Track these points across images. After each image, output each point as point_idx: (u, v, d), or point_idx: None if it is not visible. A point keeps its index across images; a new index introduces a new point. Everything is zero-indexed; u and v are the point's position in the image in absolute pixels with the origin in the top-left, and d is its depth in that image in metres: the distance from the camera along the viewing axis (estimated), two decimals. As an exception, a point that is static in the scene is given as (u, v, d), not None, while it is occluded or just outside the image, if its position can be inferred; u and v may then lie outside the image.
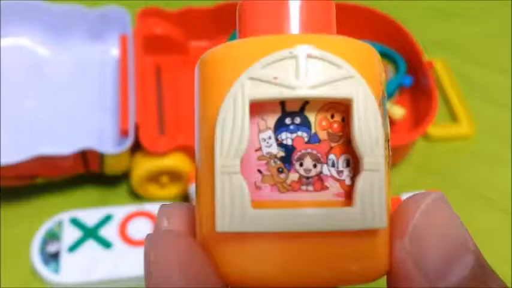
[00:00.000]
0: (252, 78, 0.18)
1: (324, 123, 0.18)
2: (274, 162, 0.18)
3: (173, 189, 0.54)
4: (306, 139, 0.18)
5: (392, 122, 0.59)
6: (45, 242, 0.49)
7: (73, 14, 0.60)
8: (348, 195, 0.18)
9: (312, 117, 0.18)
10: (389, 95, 0.58)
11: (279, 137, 0.18)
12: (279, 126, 0.18)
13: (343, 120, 0.18)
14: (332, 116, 0.18)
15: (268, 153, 0.18)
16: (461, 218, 0.55)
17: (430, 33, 0.70)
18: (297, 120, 0.18)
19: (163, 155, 0.51)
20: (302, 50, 0.18)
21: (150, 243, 0.21)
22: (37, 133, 0.55)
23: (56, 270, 0.48)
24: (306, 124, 0.18)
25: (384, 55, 0.61)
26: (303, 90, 0.17)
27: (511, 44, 0.71)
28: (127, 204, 0.53)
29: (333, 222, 0.17)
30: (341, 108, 0.18)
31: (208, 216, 0.19)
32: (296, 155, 0.18)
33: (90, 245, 0.49)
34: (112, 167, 0.52)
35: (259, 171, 0.18)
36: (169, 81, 0.60)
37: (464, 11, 0.75)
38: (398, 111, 0.58)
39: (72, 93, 0.58)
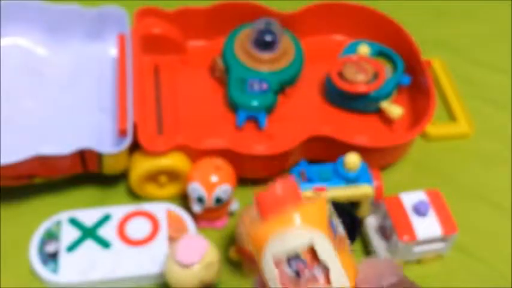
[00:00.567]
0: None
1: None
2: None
3: (172, 189, 0.54)
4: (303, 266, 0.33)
5: (390, 121, 0.59)
6: (43, 242, 0.49)
7: (71, 13, 0.60)
8: None
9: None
10: (388, 94, 0.58)
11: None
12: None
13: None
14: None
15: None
16: (458, 216, 0.56)
17: (428, 32, 0.70)
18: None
19: (161, 155, 0.51)
20: None
21: None
22: (35, 133, 0.55)
23: (55, 270, 0.48)
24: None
25: (383, 54, 0.61)
26: None
27: (510, 44, 0.72)
28: (126, 204, 0.53)
29: None
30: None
31: None
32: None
33: (89, 244, 0.49)
34: (110, 167, 0.52)
35: None
36: (168, 81, 0.60)
37: (462, 11, 0.75)
38: (396, 110, 0.58)
39: (71, 92, 0.58)
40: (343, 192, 0.51)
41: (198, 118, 0.57)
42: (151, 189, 0.54)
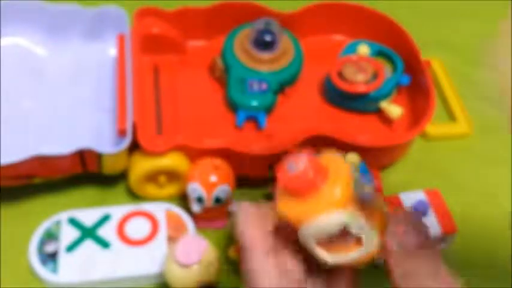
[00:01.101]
0: None
1: None
2: None
3: (171, 189, 0.54)
4: None
5: (390, 121, 0.59)
6: (43, 242, 0.49)
7: (71, 13, 0.60)
8: None
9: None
10: (387, 94, 0.58)
11: None
12: None
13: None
14: None
15: None
16: (458, 215, 0.56)
17: (427, 32, 0.70)
18: None
19: (161, 155, 0.51)
20: None
21: None
22: (34, 133, 0.55)
23: (54, 270, 0.48)
24: None
25: (382, 54, 0.61)
26: None
27: (510, 44, 0.71)
28: (125, 204, 0.53)
29: None
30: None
31: None
32: None
33: (89, 244, 0.49)
34: (110, 167, 0.52)
35: None
36: (167, 81, 0.60)
37: (462, 11, 0.75)
38: (396, 110, 0.58)
39: (70, 92, 0.58)
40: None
41: (198, 118, 0.57)
42: (150, 189, 0.54)
